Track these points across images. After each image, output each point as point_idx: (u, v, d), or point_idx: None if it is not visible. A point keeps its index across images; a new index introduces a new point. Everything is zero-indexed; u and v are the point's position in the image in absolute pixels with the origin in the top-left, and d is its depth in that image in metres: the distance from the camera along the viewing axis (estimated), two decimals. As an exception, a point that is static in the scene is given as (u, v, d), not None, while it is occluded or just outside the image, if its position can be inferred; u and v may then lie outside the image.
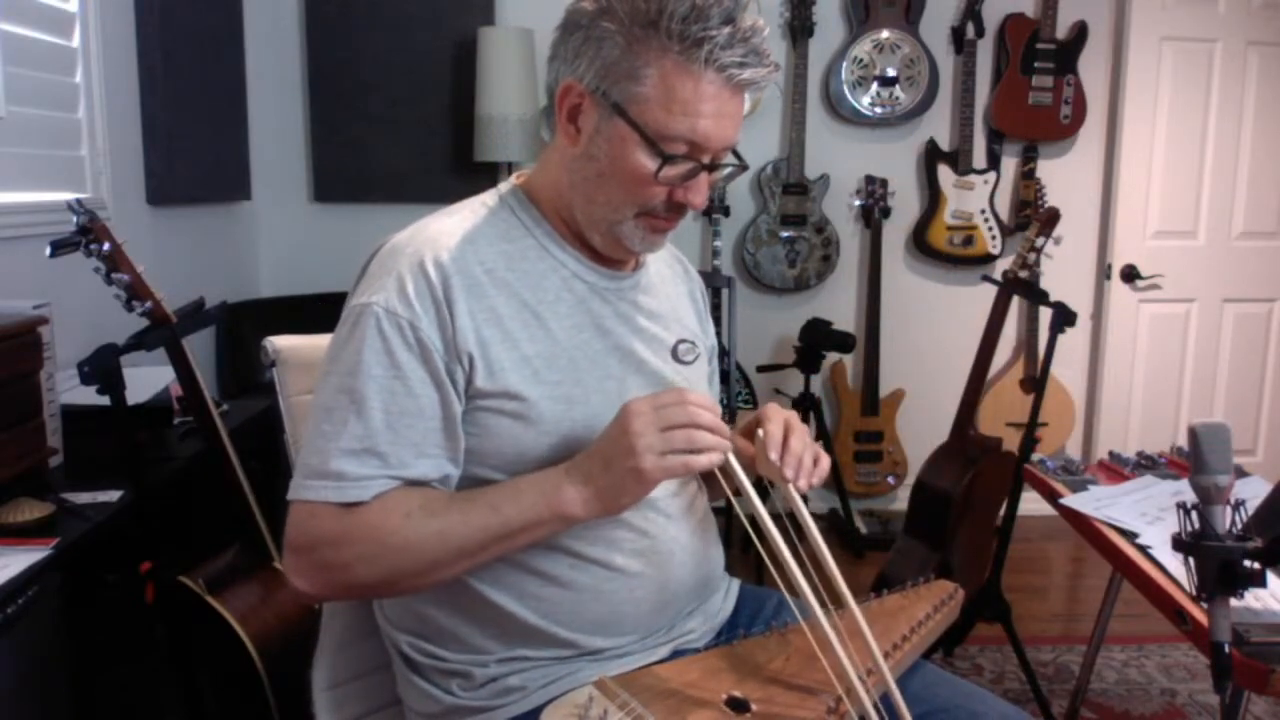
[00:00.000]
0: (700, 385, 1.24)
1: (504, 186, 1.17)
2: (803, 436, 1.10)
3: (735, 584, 1.31)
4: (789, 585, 1.02)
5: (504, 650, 1.09)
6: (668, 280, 1.28)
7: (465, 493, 1.04)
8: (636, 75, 1.01)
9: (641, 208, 1.07)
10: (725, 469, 1.03)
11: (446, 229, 1.09)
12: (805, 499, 1.10)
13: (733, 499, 1.07)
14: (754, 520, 1.04)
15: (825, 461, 1.11)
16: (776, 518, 1.05)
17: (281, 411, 1.28)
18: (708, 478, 1.21)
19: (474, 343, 1.03)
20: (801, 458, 1.08)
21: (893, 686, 1.03)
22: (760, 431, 1.10)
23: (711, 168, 1.07)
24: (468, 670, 1.09)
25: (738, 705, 1.00)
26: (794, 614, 1.09)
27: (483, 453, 1.06)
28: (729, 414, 3.24)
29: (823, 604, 1.03)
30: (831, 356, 3.46)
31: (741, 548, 3.14)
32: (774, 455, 1.07)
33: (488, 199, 1.16)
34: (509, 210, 1.14)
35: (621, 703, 0.96)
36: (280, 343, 1.29)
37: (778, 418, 1.11)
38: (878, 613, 1.21)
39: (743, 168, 1.12)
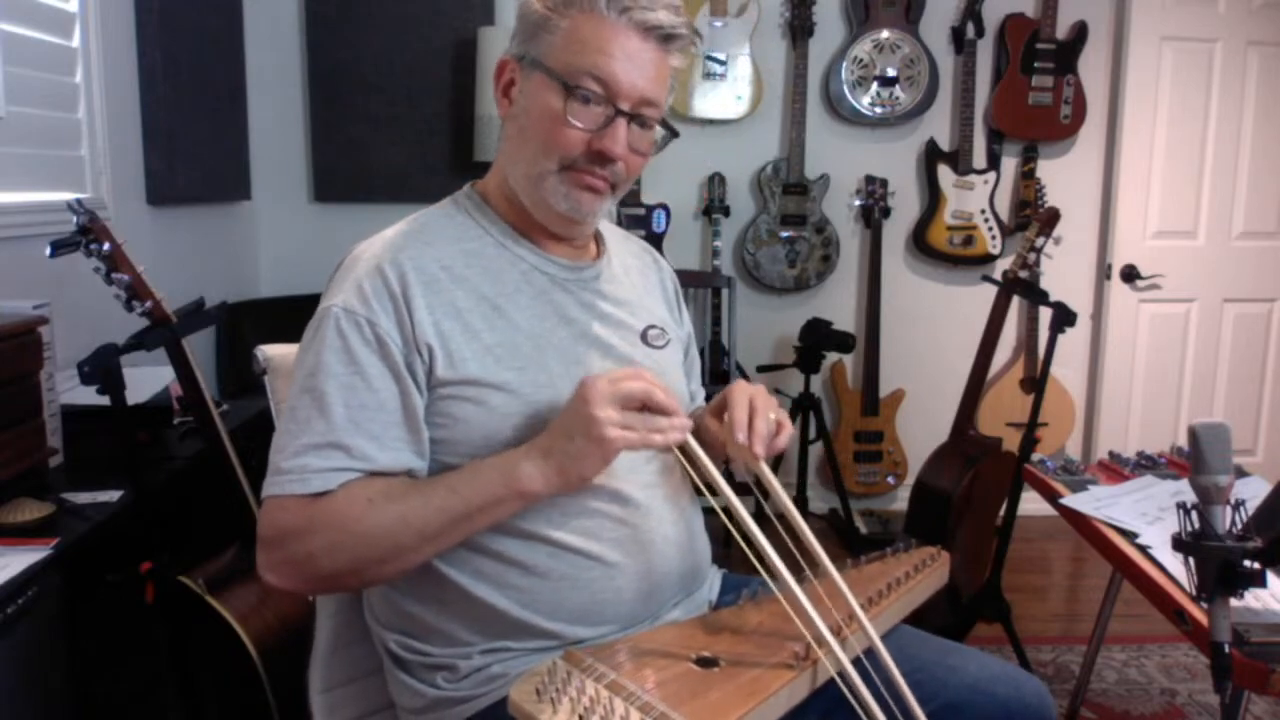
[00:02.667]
0: (672, 369, 1.26)
1: (460, 192, 1.21)
2: (766, 413, 1.11)
3: (719, 574, 1.32)
4: (758, 555, 1.04)
5: (486, 643, 1.10)
6: (634, 270, 1.30)
7: (426, 478, 1.06)
8: (550, 28, 1.08)
9: (562, 159, 1.09)
10: (687, 450, 1.05)
11: (405, 234, 1.13)
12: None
13: (711, 499, 1.09)
14: (710, 488, 1.07)
15: (785, 435, 1.13)
16: (739, 486, 1.08)
17: (274, 418, 1.28)
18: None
19: (433, 334, 1.06)
20: (765, 433, 1.10)
21: (875, 638, 1.04)
22: (725, 416, 1.12)
23: (630, 118, 1.09)
24: (452, 663, 1.10)
25: (706, 663, 1.01)
26: (771, 589, 1.10)
27: (451, 442, 1.08)
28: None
29: (798, 569, 1.05)
30: (831, 356, 3.46)
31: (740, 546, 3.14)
32: (740, 437, 1.09)
33: (445, 205, 1.20)
34: (464, 213, 1.18)
35: (587, 667, 0.97)
36: (271, 351, 1.29)
37: (742, 400, 1.12)
38: (857, 578, 1.21)
39: (672, 133, 1.16)
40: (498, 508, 1.02)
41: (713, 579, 1.29)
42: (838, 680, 0.99)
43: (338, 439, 1.02)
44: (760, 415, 1.10)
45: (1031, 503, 2.37)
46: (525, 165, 1.11)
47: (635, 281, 1.28)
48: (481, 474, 1.02)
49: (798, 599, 1.02)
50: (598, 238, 1.26)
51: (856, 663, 1.01)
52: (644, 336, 1.22)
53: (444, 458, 1.08)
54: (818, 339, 3.22)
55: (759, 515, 1.10)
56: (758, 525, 1.05)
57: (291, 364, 1.28)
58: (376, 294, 1.05)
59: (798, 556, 1.06)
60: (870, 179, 3.54)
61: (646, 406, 1.00)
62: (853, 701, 0.98)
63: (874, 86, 3.48)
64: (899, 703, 1.01)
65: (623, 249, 1.31)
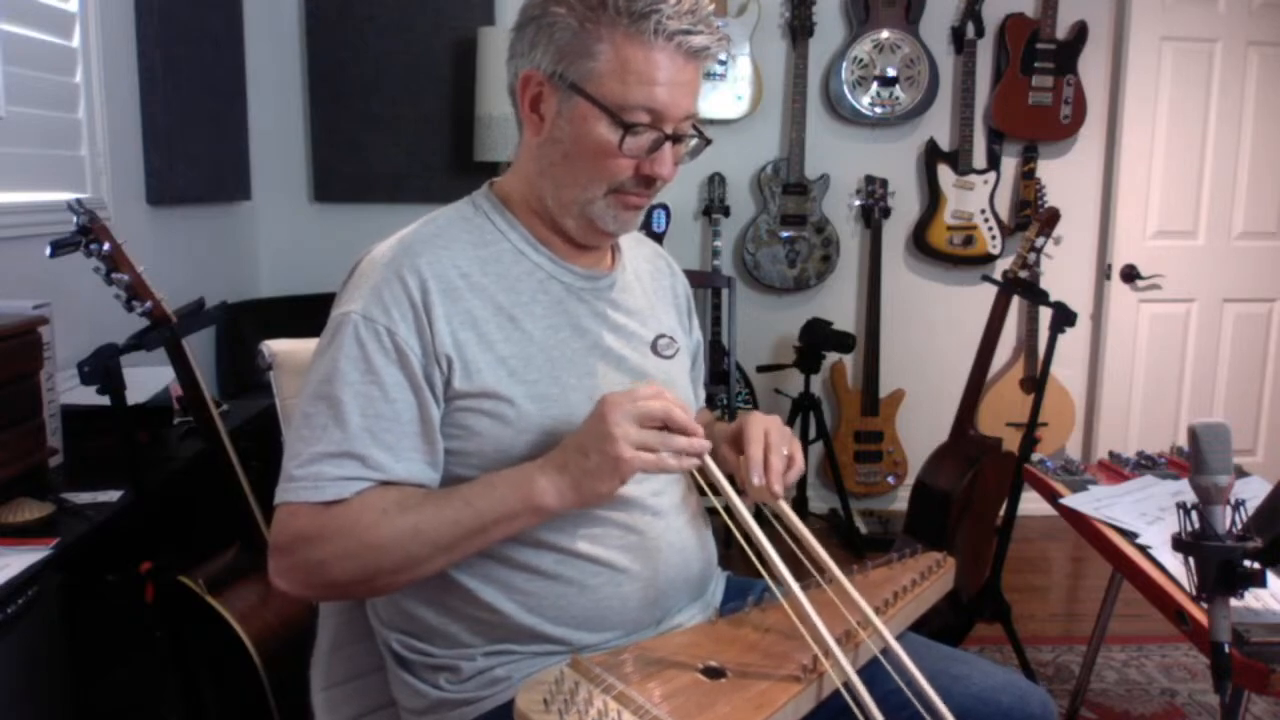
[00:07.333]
0: (680, 379, 1.25)
1: (478, 193, 1.20)
2: (780, 449, 1.11)
3: (724, 576, 1.32)
4: (763, 561, 1.04)
5: (489, 646, 1.10)
6: (647, 277, 1.29)
7: (440, 489, 1.06)
8: (591, 52, 1.04)
9: (610, 184, 1.09)
10: (702, 470, 1.04)
11: (422, 237, 1.11)
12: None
13: (713, 498, 1.09)
14: (727, 506, 1.07)
15: (795, 471, 1.13)
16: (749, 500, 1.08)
17: (279, 414, 1.28)
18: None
19: (451, 345, 1.05)
20: (780, 469, 1.11)
21: (891, 640, 1.03)
22: (741, 456, 1.12)
23: (675, 139, 1.09)
24: (455, 664, 1.10)
25: (713, 673, 1.01)
26: (775, 596, 1.10)
27: (464, 453, 1.07)
28: (729, 414, 3.24)
29: (805, 577, 1.05)
30: (831, 356, 3.46)
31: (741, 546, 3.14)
32: (756, 479, 1.09)
33: (462, 207, 1.18)
34: (483, 216, 1.16)
35: (594, 676, 0.96)
36: (277, 346, 1.29)
37: (758, 436, 1.12)
38: (862, 584, 1.20)
39: (705, 141, 1.15)
40: (512, 521, 1.01)
41: (717, 582, 1.29)
42: (843, 692, 0.98)
43: (353, 448, 1.01)
44: (774, 451, 1.10)
45: (1031, 503, 2.37)
46: (571, 190, 1.10)
47: (647, 288, 1.27)
48: (496, 487, 1.01)
49: (803, 607, 1.01)
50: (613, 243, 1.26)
51: (863, 673, 1.00)
52: (654, 346, 1.22)
53: (457, 469, 1.08)
54: (818, 339, 3.22)
55: (760, 517, 1.10)
56: (761, 530, 1.04)
57: (298, 360, 1.28)
58: (396, 302, 1.04)
59: (808, 565, 1.06)
60: (870, 179, 3.54)
61: (666, 426, 0.99)
62: (859, 715, 0.96)
63: (874, 86, 3.48)
64: (921, 700, 1.00)
65: (636, 253, 1.30)
